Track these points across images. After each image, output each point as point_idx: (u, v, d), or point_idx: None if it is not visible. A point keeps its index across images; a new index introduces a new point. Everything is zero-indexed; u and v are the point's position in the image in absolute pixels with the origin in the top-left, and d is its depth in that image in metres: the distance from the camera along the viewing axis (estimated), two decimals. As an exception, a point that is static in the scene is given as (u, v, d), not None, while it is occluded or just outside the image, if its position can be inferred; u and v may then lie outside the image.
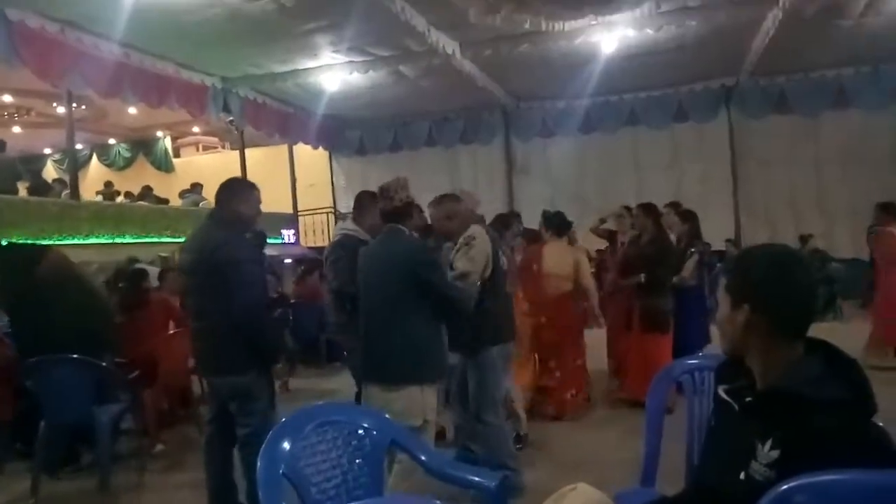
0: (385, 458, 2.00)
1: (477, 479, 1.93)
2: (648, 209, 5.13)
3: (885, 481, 1.10)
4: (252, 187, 3.26)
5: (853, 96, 9.70)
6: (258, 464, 1.70)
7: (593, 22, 7.39)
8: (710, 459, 1.46)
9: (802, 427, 1.19)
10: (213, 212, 3.20)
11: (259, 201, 3.24)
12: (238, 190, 3.17)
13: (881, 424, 1.24)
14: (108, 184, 12.27)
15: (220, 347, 3.00)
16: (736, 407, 1.38)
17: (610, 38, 7.71)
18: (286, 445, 1.77)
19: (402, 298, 2.87)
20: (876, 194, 9.44)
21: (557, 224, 5.12)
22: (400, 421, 2.69)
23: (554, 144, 11.21)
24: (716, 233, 8.47)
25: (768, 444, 1.23)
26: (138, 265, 7.07)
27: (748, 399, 1.35)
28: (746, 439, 1.28)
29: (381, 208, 3.10)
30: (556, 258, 4.92)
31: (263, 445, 1.75)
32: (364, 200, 3.84)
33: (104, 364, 4.06)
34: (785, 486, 1.10)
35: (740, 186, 10.43)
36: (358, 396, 3.93)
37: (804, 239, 9.10)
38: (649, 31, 7.54)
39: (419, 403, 2.83)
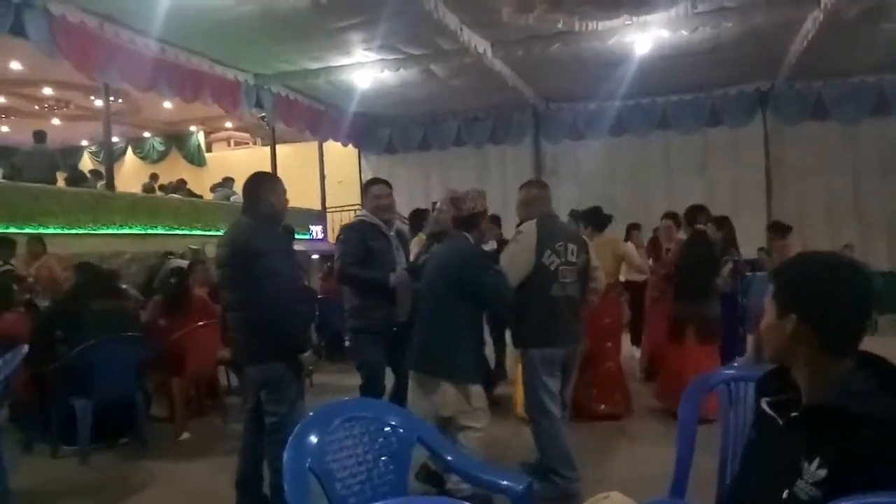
0: (412, 456, 1.98)
1: (504, 482, 1.90)
2: (692, 210, 5.05)
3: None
4: (277, 179, 3.34)
5: (894, 103, 9.40)
6: (285, 456, 1.69)
7: (627, 22, 7.28)
8: (749, 475, 1.40)
9: (852, 445, 1.14)
10: (245, 206, 3.24)
11: (285, 192, 3.30)
12: (266, 182, 3.24)
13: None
14: (154, 176, 12.53)
15: (252, 337, 3.06)
16: (780, 421, 1.33)
17: (644, 38, 7.59)
18: (313, 439, 1.76)
19: (445, 299, 3.17)
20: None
21: (596, 220, 5.05)
22: (436, 410, 3.12)
23: (583, 147, 11.08)
24: (748, 241, 8.29)
25: (815, 462, 1.18)
26: (172, 258, 7.18)
27: (794, 414, 1.30)
28: (791, 456, 1.23)
29: (451, 216, 3.36)
30: (597, 252, 4.83)
31: (291, 438, 1.74)
32: (365, 187, 4.15)
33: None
34: (833, 506, 1.05)
35: (774, 194, 10.18)
36: (361, 389, 3.89)
37: (843, 249, 8.86)
38: (684, 33, 7.41)
39: (452, 399, 3.13)
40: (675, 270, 4.93)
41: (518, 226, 3.72)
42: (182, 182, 11.83)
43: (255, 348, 3.06)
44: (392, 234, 3.92)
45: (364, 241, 3.74)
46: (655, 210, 6.90)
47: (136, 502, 3.66)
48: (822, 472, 1.16)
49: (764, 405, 1.38)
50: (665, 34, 7.45)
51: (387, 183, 4.02)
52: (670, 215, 5.95)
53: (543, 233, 3.38)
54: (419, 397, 3.29)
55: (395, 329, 3.74)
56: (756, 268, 7.88)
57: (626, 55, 8.14)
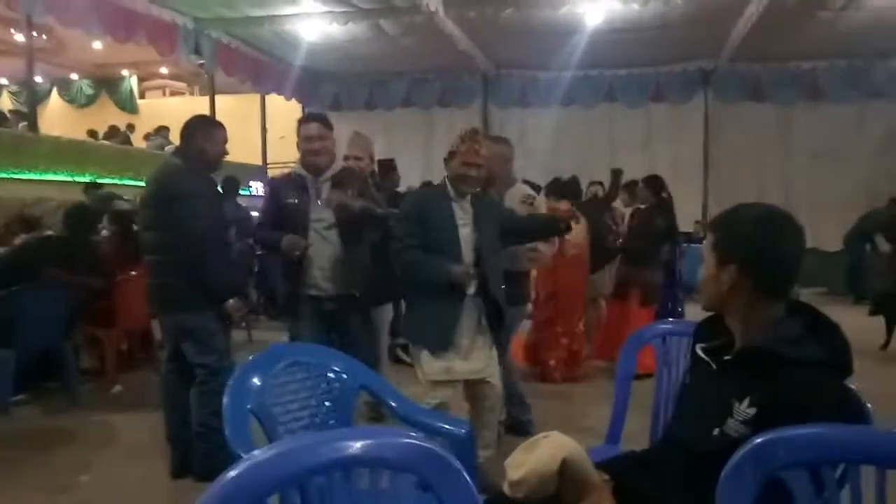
0: (354, 401, 1.98)
1: (447, 426, 1.93)
2: (649, 182, 5.22)
3: (857, 435, 1.12)
4: (217, 125, 3.19)
5: (826, 90, 9.84)
6: (225, 398, 1.66)
7: (581, -9, 7.30)
8: (683, 416, 1.47)
9: (781, 386, 1.21)
10: (177, 149, 3.17)
11: (224, 140, 3.15)
12: (202, 126, 3.11)
13: (853, 387, 1.27)
14: (114, 128, 11.68)
15: (169, 283, 2.95)
16: (713, 365, 1.39)
17: (595, 9, 7.62)
18: (256, 381, 1.73)
19: None
20: (841, 187, 9.78)
21: (569, 190, 5.32)
22: None
23: (531, 115, 11.12)
24: (684, 214, 8.59)
25: (745, 401, 1.24)
26: (116, 201, 6.80)
27: (726, 357, 1.36)
28: (723, 397, 1.29)
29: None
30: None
31: (231, 379, 1.71)
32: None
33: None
34: (760, 439, 1.11)
35: (711, 170, 10.56)
36: None
37: None
38: (635, 6, 7.48)
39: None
40: (631, 234, 5.13)
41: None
42: (115, 130, 11.26)
43: (171, 295, 2.96)
44: (324, 184, 3.21)
45: (276, 200, 3.22)
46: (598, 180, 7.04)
47: (66, 454, 3.53)
48: (752, 411, 1.23)
49: (698, 350, 1.45)
50: (616, 6, 7.50)
51: (324, 121, 3.29)
52: (598, 182, 6.35)
53: None
54: None
55: (331, 302, 3.15)
56: (691, 239, 8.21)
57: (578, 26, 8.16)
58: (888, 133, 9.67)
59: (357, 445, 1.04)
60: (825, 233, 9.11)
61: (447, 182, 2.80)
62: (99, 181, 7.49)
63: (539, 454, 1.37)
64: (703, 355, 1.43)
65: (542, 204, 3.42)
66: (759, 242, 1.31)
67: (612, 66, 10.32)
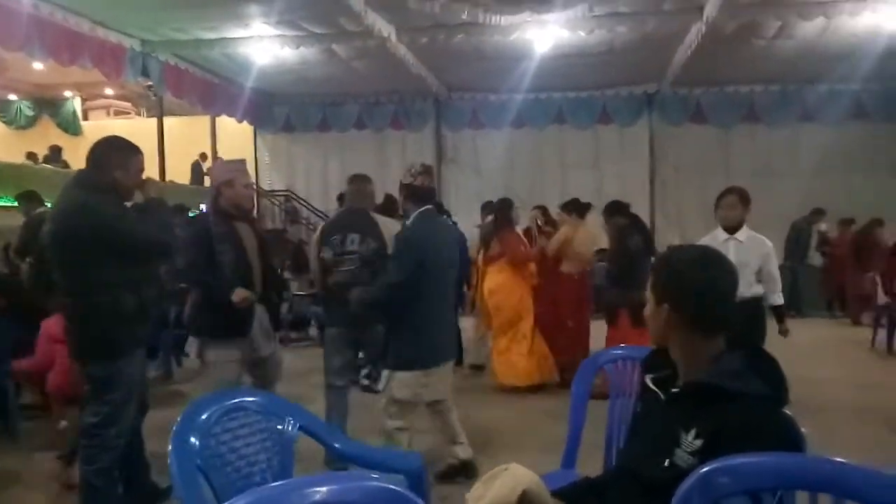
0: (294, 444, 1.92)
1: (399, 461, 1.94)
2: (613, 208, 5.35)
3: (792, 463, 1.21)
4: (134, 151, 2.78)
5: (762, 112, 10.39)
6: (170, 457, 1.60)
7: (529, 19, 7.50)
8: (635, 445, 1.54)
9: (726, 418, 1.28)
10: (82, 174, 2.74)
11: (140, 169, 2.80)
12: (115, 151, 2.70)
13: (789, 413, 1.36)
14: (55, 148, 11.17)
15: (72, 328, 2.74)
16: (662, 396, 1.46)
17: (544, 36, 7.86)
18: (194, 438, 1.67)
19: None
20: (778, 206, 10.24)
21: (578, 208, 5.70)
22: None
23: (483, 137, 11.32)
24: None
25: (692, 433, 1.31)
26: None
27: (673, 389, 1.44)
28: (671, 428, 1.36)
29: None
30: (587, 240, 5.49)
31: (173, 436, 1.65)
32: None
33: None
34: (706, 469, 1.18)
35: (657, 190, 10.94)
36: None
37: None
38: (581, 33, 7.75)
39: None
40: (614, 257, 5.25)
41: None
42: (56, 149, 10.88)
43: (74, 342, 2.78)
44: None
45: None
46: (551, 200, 7.20)
47: (9, 497, 3.39)
48: (699, 442, 1.30)
49: (648, 381, 1.52)
50: (564, 34, 7.75)
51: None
52: (539, 207, 6.48)
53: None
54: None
55: None
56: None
57: (527, 51, 8.39)
58: (820, 154, 10.20)
59: (324, 490, 1.07)
60: (766, 249, 9.50)
61: None
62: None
63: (499, 486, 1.41)
64: (652, 385, 1.50)
65: None
66: (687, 283, 1.40)
67: (560, 89, 10.62)
